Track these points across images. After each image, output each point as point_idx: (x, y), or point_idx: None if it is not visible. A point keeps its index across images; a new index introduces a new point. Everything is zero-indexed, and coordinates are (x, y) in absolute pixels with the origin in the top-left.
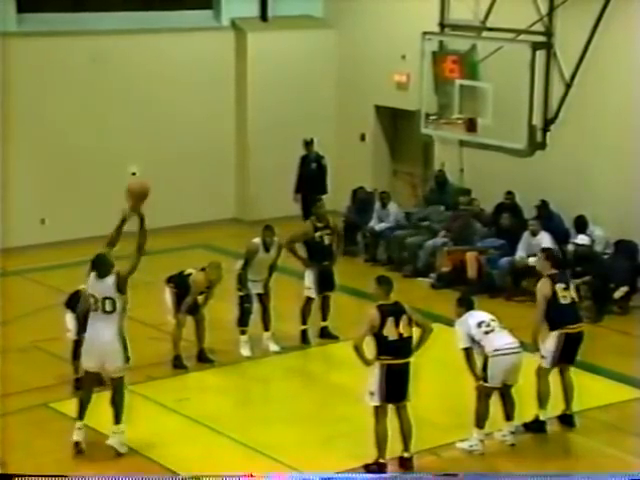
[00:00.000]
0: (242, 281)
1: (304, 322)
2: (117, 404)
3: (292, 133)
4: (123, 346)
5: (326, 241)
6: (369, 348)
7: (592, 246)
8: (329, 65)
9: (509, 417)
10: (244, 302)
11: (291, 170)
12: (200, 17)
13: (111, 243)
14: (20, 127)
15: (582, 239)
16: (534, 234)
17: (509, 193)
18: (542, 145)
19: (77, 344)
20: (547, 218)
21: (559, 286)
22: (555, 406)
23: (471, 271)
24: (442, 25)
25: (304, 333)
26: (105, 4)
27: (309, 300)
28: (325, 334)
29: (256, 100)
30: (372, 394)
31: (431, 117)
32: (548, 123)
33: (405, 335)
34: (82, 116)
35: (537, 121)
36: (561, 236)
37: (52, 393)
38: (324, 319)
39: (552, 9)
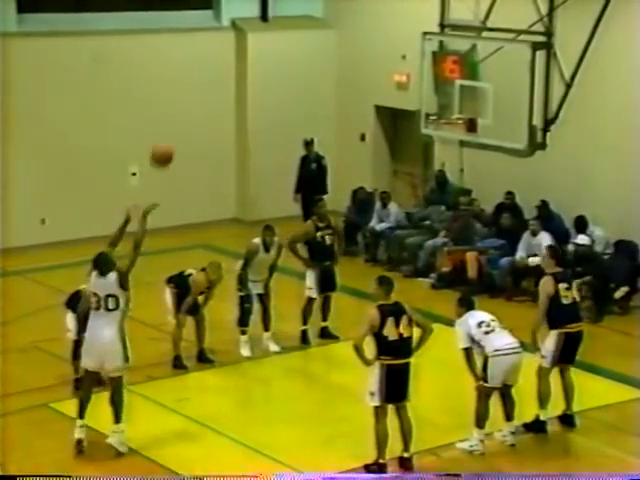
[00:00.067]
0: (242, 281)
1: (305, 322)
2: (116, 403)
3: (292, 133)
4: (123, 346)
5: (327, 241)
6: (369, 348)
7: (592, 246)
8: (329, 65)
9: (509, 417)
10: (244, 302)
11: (291, 170)
12: (200, 17)
13: (113, 243)
14: (20, 127)
15: (582, 239)
16: (534, 234)
17: (509, 193)
18: (542, 145)
19: (77, 344)
20: (547, 218)
21: (562, 286)
22: (555, 406)
23: (471, 271)
24: (442, 25)
25: (304, 333)
26: (105, 4)
27: (310, 300)
28: (325, 334)
29: (256, 100)
30: (372, 394)
31: (431, 117)
32: (548, 123)
33: (405, 335)
34: (82, 116)
35: (537, 121)
36: (561, 236)
37: (52, 393)
38: (324, 319)
39: (552, 9)
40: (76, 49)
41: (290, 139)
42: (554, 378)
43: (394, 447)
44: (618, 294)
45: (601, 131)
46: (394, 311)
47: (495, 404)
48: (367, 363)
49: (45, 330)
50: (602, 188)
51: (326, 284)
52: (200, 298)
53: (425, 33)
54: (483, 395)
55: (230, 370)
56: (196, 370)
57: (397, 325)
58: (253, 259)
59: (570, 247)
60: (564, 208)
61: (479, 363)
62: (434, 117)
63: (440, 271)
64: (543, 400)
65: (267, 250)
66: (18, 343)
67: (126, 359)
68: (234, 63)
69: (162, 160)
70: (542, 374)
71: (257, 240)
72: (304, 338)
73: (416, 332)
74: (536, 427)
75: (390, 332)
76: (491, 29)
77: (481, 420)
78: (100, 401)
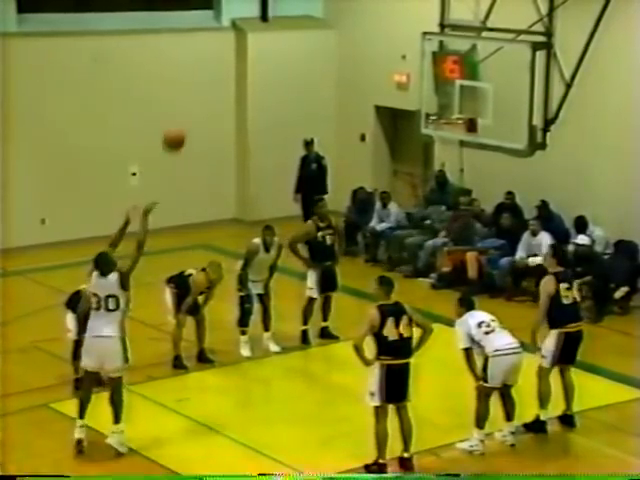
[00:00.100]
0: (242, 281)
1: (305, 322)
2: (116, 403)
3: (292, 133)
4: (123, 346)
5: (328, 241)
6: (369, 348)
7: (592, 246)
8: (329, 65)
9: (509, 417)
10: (244, 302)
11: (291, 170)
12: (200, 17)
13: (113, 244)
14: (20, 127)
15: (582, 239)
16: (534, 234)
17: (509, 193)
18: (542, 145)
19: (77, 344)
20: (547, 218)
21: (563, 285)
22: (555, 406)
23: (471, 271)
24: (442, 25)
25: (305, 333)
26: (105, 4)
27: (311, 300)
28: (325, 334)
29: (256, 100)
30: (372, 394)
31: (431, 117)
32: (548, 123)
33: (405, 335)
34: (82, 116)
35: (537, 121)
36: (561, 236)
37: (52, 393)
38: (325, 319)
39: (552, 9)
40: (76, 49)
41: (290, 139)
42: (554, 378)
43: (394, 447)
44: (618, 294)
45: (601, 131)
46: (394, 311)
47: (495, 404)
48: (367, 363)
49: (45, 330)
50: (602, 188)
51: (327, 284)
52: (200, 298)
53: (425, 33)
54: (483, 395)
55: (230, 370)
56: (196, 370)
57: (397, 325)
58: (253, 259)
59: (570, 247)
60: (564, 208)
61: (479, 363)
62: (434, 117)
63: (440, 271)
64: (543, 400)
65: (267, 250)
66: (18, 343)
67: (126, 360)
68: (234, 63)
69: (174, 144)
70: (542, 374)
71: (257, 240)
72: (304, 338)
73: (416, 332)
74: (536, 427)
75: (390, 332)
76: (491, 29)
77: (481, 420)
78: (100, 401)
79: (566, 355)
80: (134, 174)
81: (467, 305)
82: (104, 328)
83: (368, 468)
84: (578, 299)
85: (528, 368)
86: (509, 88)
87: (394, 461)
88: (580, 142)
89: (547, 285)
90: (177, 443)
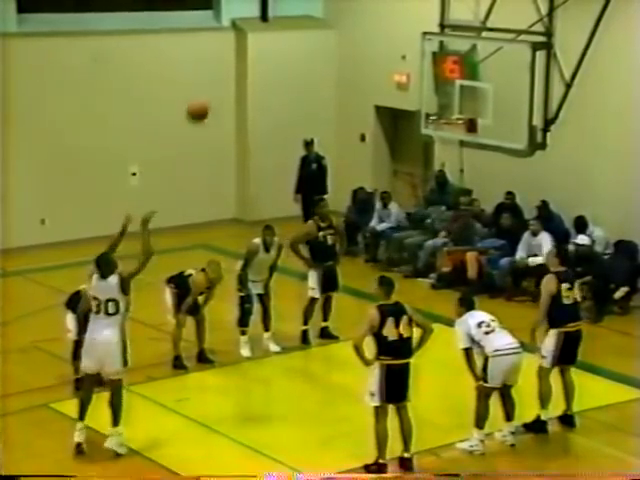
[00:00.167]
0: (242, 281)
1: (305, 322)
2: (115, 406)
3: (292, 133)
4: (123, 349)
5: (329, 241)
6: (369, 348)
7: (592, 246)
8: (329, 65)
9: (509, 417)
10: (244, 302)
11: (291, 170)
12: (200, 17)
13: (112, 249)
14: (20, 127)
15: (582, 239)
16: (534, 234)
17: (509, 193)
18: (542, 145)
19: (77, 344)
20: (547, 218)
21: (564, 285)
22: (555, 406)
23: (471, 271)
24: (442, 25)
25: (305, 333)
26: (105, 4)
27: (313, 300)
28: (325, 334)
29: (256, 100)
30: (372, 394)
31: (431, 117)
32: (548, 123)
33: (405, 335)
34: (82, 116)
35: (537, 121)
36: (561, 236)
37: (52, 393)
38: (325, 319)
39: (552, 9)
40: (76, 49)
41: (290, 139)
42: (554, 378)
43: (394, 447)
44: (618, 294)
45: (601, 131)
46: (394, 311)
47: (495, 404)
48: (367, 363)
49: (45, 330)
50: (602, 188)
51: (328, 284)
52: (200, 298)
53: (425, 33)
54: (483, 395)
55: (230, 370)
56: (196, 370)
57: (397, 325)
58: (253, 259)
59: (570, 247)
60: (564, 208)
61: (479, 363)
62: (434, 117)
63: (440, 271)
64: (544, 400)
65: (267, 250)
66: (18, 343)
67: (125, 362)
68: (234, 63)
69: (197, 115)
70: (542, 374)
71: (257, 240)
72: (304, 338)
73: (416, 332)
74: (537, 427)
75: (390, 332)
76: (491, 29)
77: (481, 420)
78: (100, 401)
79: (566, 355)
80: (134, 174)
81: (467, 305)
82: (104, 331)
83: (368, 468)
84: (579, 299)
85: (528, 368)
86: (509, 88)
87: (394, 461)
88: (580, 142)
89: (548, 284)
90: (177, 443)
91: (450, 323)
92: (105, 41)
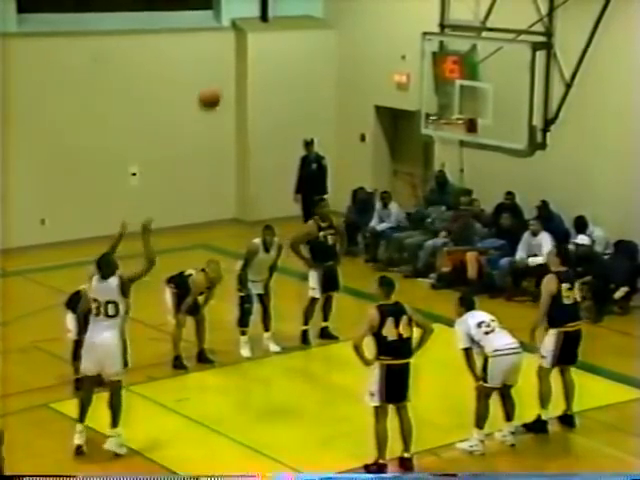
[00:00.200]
0: (242, 281)
1: (306, 322)
2: (114, 408)
3: (292, 133)
4: (123, 351)
5: (330, 241)
6: (369, 348)
7: (592, 246)
8: (329, 65)
9: (509, 417)
10: (244, 302)
11: (291, 170)
12: (200, 17)
13: (112, 250)
14: (20, 127)
15: (582, 239)
16: (534, 234)
17: (509, 193)
18: (542, 145)
19: (77, 344)
20: (547, 218)
21: (564, 286)
22: (555, 406)
23: (471, 271)
24: (442, 25)
25: (305, 333)
26: (105, 4)
27: (313, 300)
28: (325, 334)
29: (256, 100)
30: (372, 394)
31: (431, 117)
32: (548, 123)
33: (405, 335)
34: (82, 116)
35: (537, 121)
36: (561, 236)
37: (53, 393)
38: (325, 319)
39: (552, 9)
40: (76, 49)
41: (290, 139)
42: (554, 378)
43: (394, 447)
44: (618, 294)
45: (601, 131)
46: (394, 311)
47: (495, 404)
48: (367, 363)
49: (45, 330)
50: (602, 188)
51: (329, 284)
52: (200, 298)
53: (425, 33)
54: (483, 395)
55: (230, 370)
56: (196, 370)
57: (396, 325)
58: (253, 259)
59: (570, 247)
60: (564, 208)
61: (479, 363)
62: (434, 117)
63: (440, 271)
64: (544, 400)
65: (267, 250)
66: (18, 343)
67: (125, 364)
68: (234, 63)
69: (209, 103)
70: (542, 374)
71: (257, 240)
72: (304, 338)
73: (416, 332)
74: (538, 427)
75: (389, 332)
76: (491, 29)
77: (481, 420)
78: (100, 401)
79: (566, 355)
80: (134, 174)
81: (467, 305)
82: (104, 333)
83: (368, 468)
84: (579, 299)
85: (528, 368)
86: (509, 88)
87: (394, 461)
88: (580, 142)
89: (549, 284)
90: (177, 443)
91: (450, 323)
92: (105, 41)
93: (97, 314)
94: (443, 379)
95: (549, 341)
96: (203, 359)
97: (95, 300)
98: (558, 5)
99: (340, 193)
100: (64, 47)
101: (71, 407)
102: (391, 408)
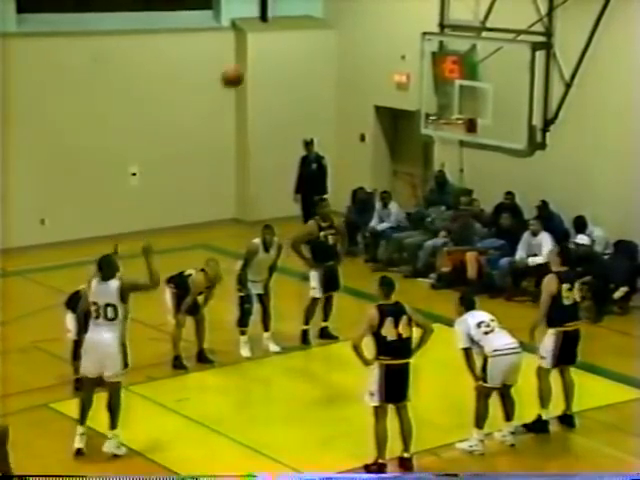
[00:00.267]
0: (242, 281)
1: (306, 322)
2: (113, 409)
3: (292, 133)
4: (123, 353)
5: (330, 241)
6: (369, 348)
7: (592, 246)
8: (329, 65)
9: (509, 417)
10: (244, 302)
11: (291, 170)
12: (200, 17)
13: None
14: (20, 127)
15: (582, 239)
16: (534, 234)
17: (509, 193)
18: (542, 145)
19: (77, 344)
20: (547, 218)
21: (565, 286)
22: (555, 406)
23: (471, 271)
24: (442, 25)
25: (305, 333)
26: (105, 4)
27: (314, 300)
28: (325, 334)
29: (256, 100)
30: (372, 394)
31: (431, 117)
32: (548, 123)
33: (404, 335)
34: (82, 116)
35: (537, 121)
36: (561, 236)
37: (53, 393)
38: (325, 319)
39: (552, 9)
40: (76, 49)
41: (290, 139)
42: (554, 378)
43: (394, 447)
44: (618, 294)
45: (601, 131)
46: (393, 311)
47: (495, 404)
48: (366, 363)
49: (45, 330)
50: (602, 188)
51: (329, 284)
52: (200, 298)
53: (425, 33)
54: (482, 395)
55: (230, 370)
56: (196, 370)
57: (396, 325)
58: (253, 259)
59: (570, 247)
60: (564, 208)
61: (478, 363)
62: (434, 117)
63: (440, 271)
64: (545, 400)
65: (267, 250)
66: (18, 343)
67: (125, 365)
68: (234, 63)
69: (232, 82)
70: (542, 375)
71: (257, 240)
72: (304, 338)
73: (416, 332)
74: (538, 427)
75: (389, 332)
76: (491, 29)
77: (481, 420)
78: (100, 401)
79: (566, 355)
80: (134, 174)
81: (467, 305)
82: (103, 336)
83: (368, 468)
84: (578, 300)
85: (528, 368)
86: (509, 88)
87: (394, 461)
88: (580, 142)
89: (549, 284)
90: (177, 443)
91: (450, 323)
92: (105, 41)
93: (96, 317)
94: (443, 379)
95: (548, 341)
96: (203, 359)
97: (94, 303)
98: (558, 5)
99: (340, 193)
100: (64, 47)
101: (71, 407)
102: (391, 408)
